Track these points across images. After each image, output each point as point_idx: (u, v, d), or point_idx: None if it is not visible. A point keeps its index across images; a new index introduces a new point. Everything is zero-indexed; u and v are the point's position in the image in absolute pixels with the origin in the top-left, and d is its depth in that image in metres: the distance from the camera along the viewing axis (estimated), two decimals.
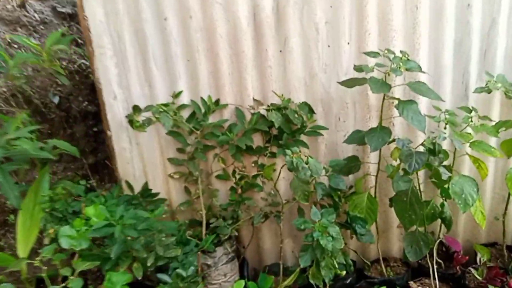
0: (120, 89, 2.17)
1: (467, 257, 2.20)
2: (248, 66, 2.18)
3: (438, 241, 2.25)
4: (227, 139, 2.18)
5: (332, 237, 1.81)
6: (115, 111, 2.20)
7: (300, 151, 1.89)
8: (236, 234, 2.33)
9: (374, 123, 2.18)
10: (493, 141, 2.23)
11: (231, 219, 2.32)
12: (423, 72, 1.87)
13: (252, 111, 2.25)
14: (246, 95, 2.24)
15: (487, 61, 2.16)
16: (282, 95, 2.21)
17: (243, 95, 2.24)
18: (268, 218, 2.34)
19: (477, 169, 2.12)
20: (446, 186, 1.92)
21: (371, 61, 2.06)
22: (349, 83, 2.02)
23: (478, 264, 2.22)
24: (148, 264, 1.79)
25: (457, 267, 2.22)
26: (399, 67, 1.81)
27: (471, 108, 2.06)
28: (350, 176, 2.25)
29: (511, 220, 2.42)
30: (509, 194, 2.21)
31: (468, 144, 1.97)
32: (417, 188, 1.96)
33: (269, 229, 2.48)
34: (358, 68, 1.91)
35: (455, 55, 2.15)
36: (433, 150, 1.72)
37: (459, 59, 2.15)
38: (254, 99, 2.25)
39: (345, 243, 2.09)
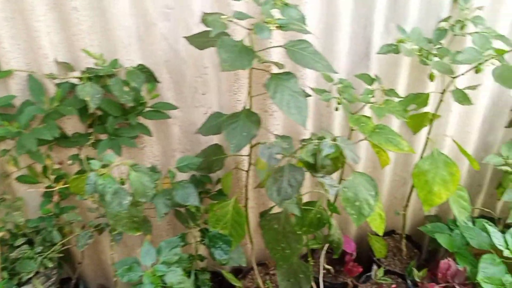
0: None
1: (360, 269, 1.75)
2: (36, 5, 1.31)
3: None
4: (10, 131, 1.35)
5: None
6: None
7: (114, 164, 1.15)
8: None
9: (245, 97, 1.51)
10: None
11: (43, 242, 1.57)
12: (307, 33, 1.18)
13: (56, 81, 1.42)
14: (41, 55, 1.39)
15: (397, 8, 1.54)
16: (102, 55, 1.40)
17: (37, 56, 1.39)
18: (102, 231, 1.64)
19: (376, 154, 1.59)
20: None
21: (236, 5, 1.33)
22: (198, 41, 1.28)
23: (372, 276, 1.79)
24: None
25: (349, 280, 1.78)
26: (269, 22, 1.10)
27: (373, 76, 1.47)
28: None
29: (411, 211, 2.03)
30: (411, 188, 1.75)
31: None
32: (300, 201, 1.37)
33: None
34: (206, 20, 1.16)
35: None
36: (314, 165, 1.10)
37: (360, 3, 1.50)
38: (57, 62, 1.41)
39: None
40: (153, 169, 1.48)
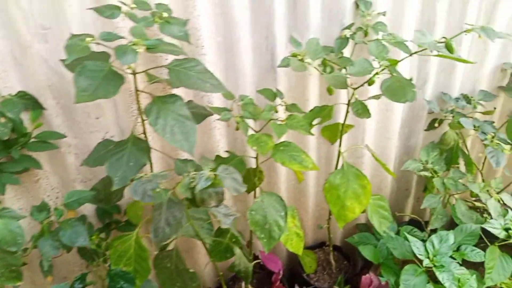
0: None
1: None
2: None
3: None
4: None
5: None
6: None
7: None
8: None
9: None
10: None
11: None
12: (180, 54, 1.08)
13: None
14: None
15: (298, 17, 1.47)
16: None
17: None
18: None
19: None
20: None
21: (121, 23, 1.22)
22: (71, 63, 1.15)
23: None
24: None
25: None
26: (136, 43, 0.99)
27: (274, 91, 1.39)
28: None
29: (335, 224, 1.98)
30: None
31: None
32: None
33: None
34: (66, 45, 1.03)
35: (252, 6, 1.41)
36: (193, 199, 1.00)
37: (259, 12, 1.42)
38: None
39: None
40: (42, 207, 1.34)
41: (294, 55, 1.31)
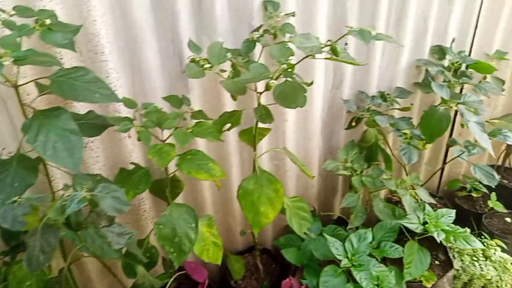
0: None
1: None
2: None
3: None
4: None
5: None
6: None
7: None
8: None
9: None
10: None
11: None
12: (53, 65, 0.99)
13: None
14: None
15: (204, 18, 1.41)
16: None
17: None
18: None
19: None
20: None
21: None
22: None
23: None
24: None
25: None
26: (3, 55, 0.90)
27: (180, 97, 1.33)
28: None
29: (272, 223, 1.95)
30: None
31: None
32: None
33: None
34: None
35: (154, 8, 1.34)
36: (69, 224, 0.93)
37: (162, 14, 1.35)
38: None
39: None
40: None
41: (193, 61, 1.25)
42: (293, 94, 1.09)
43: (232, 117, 1.38)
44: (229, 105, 1.57)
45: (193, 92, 1.50)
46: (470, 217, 2.21)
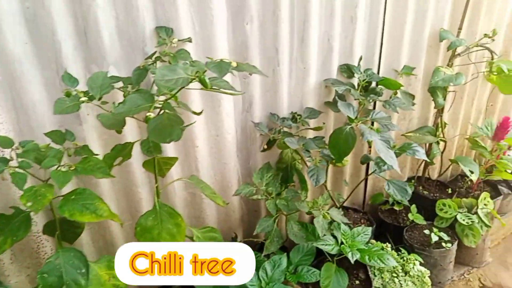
0: None
1: None
2: None
3: None
4: None
5: None
6: None
7: None
8: None
9: None
10: None
11: None
12: None
13: None
14: None
15: (91, 46, 1.33)
16: None
17: None
18: None
19: None
20: None
21: None
22: None
23: None
24: None
25: None
26: None
27: (63, 132, 1.24)
28: None
29: None
30: None
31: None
32: None
33: None
34: None
35: (33, 40, 1.24)
36: None
37: (42, 46, 1.26)
38: None
39: None
40: None
41: (67, 94, 1.17)
42: (168, 127, 1.03)
43: (124, 150, 1.31)
44: (130, 135, 1.49)
45: (86, 124, 1.41)
46: (392, 231, 2.24)
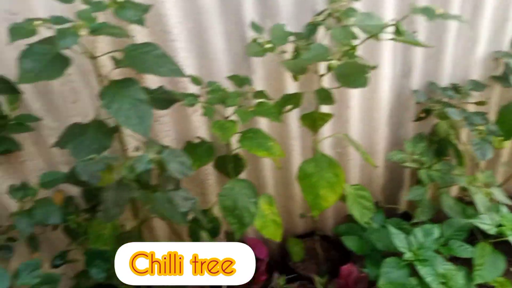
0: None
1: (263, 277, 1.63)
2: None
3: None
4: None
5: None
6: None
7: None
8: None
9: None
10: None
11: None
12: (125, 36, 1.08)
13: None
14: None
15: (268, 3, 1.45)
16: None
17: None
18: None
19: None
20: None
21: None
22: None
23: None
24: None
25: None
26: (78, 26, 1.00)
27: (242, 77, 1.38)
28: None
29: (333, 209, 1.94)
30: None
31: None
32: None
33: None
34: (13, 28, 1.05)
35: None
36: (140, 184, 0.99)
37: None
38: None
39: None
40: (20, 186, 1.38)
41: (254, 41, 1.29)
42: (354, 74, 1.08)
43: (293, 99, 1.40)
44: (291, 87, 1.59)
45: (255, 74, 1.54)
46: None
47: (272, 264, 1.83)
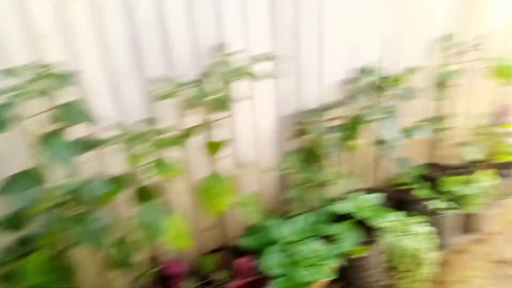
0: None
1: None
2: None
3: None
4: None
5: None
6: None
7: None
8: None
9: None
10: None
11: None
12: None
13: None
14: None
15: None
16: None
17: None
18: None
19: None
20: None
21: None
22: None
23: None
24: None
25: None
26: None
27: (151, 118, 1.81)
28: None
29: (229, 224, 2.38)
30: None
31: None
32: None
33: None
34: None
35: None
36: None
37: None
38: None
39: None
40: None
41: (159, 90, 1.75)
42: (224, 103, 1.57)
43: (190, 131, 1.86)
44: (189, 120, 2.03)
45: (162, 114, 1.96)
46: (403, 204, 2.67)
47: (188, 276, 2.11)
